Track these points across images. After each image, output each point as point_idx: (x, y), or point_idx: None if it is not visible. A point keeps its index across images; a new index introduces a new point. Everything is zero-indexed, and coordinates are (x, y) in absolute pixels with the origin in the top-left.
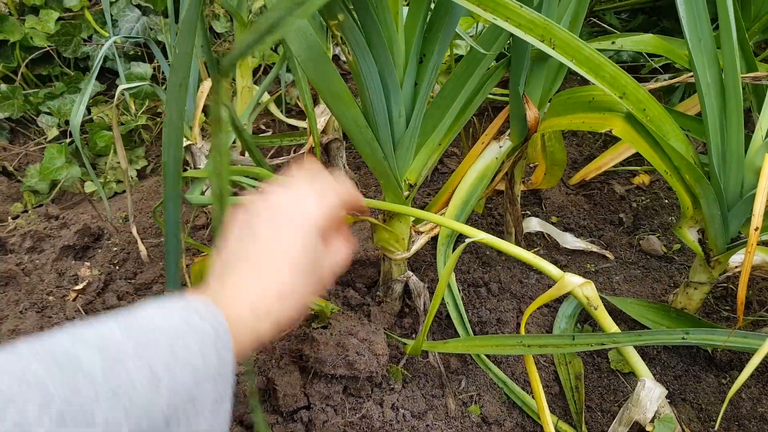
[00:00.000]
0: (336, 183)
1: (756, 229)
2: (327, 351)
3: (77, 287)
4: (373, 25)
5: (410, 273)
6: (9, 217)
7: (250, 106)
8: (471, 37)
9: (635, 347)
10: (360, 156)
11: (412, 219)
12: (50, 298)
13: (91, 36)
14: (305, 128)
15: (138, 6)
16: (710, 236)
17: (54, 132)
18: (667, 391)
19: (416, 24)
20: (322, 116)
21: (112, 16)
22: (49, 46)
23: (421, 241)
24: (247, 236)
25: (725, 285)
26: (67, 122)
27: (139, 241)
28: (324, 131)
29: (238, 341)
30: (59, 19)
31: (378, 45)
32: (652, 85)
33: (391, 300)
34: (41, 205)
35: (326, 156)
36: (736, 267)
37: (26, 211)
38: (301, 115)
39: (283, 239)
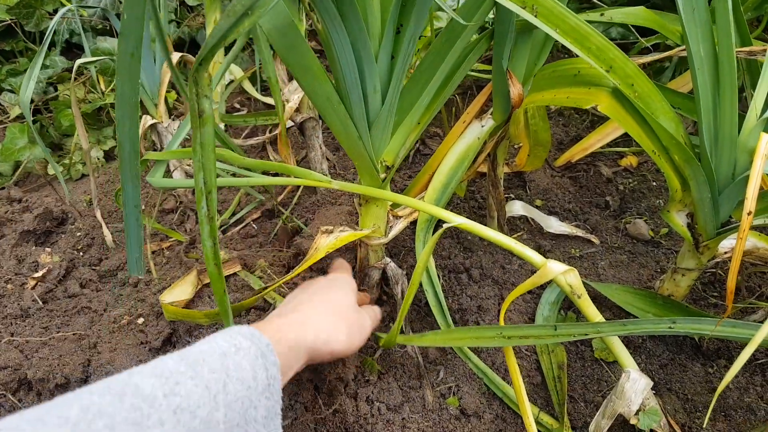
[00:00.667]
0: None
1: (749, 213)
2: None
3: (36, 274)
4: None
5: (388, 259)
6: None
7: (219, 83)
8: (452, 8)
9: (620, 337)
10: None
11: (390, 203)
12: (8, 286)
13: (57, 10)
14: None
15: None
16: (699, 220)
17: (17, 111)
18: (652, 383)
19: None
20: (296, 93)
21: None
22: (11, 20)
23: (399, 226)
24: (301, 296)
25: (714, 271)
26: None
27: (104, 226)
28: (298, 109)
29: (285, 365)
30: None
31: (350, 13)
32: (642, 59)
33: (368, 288)
34: (3, 188)
35: (302, 136)
36: (726, 253)
37: None
38: None
39: (331, 294)
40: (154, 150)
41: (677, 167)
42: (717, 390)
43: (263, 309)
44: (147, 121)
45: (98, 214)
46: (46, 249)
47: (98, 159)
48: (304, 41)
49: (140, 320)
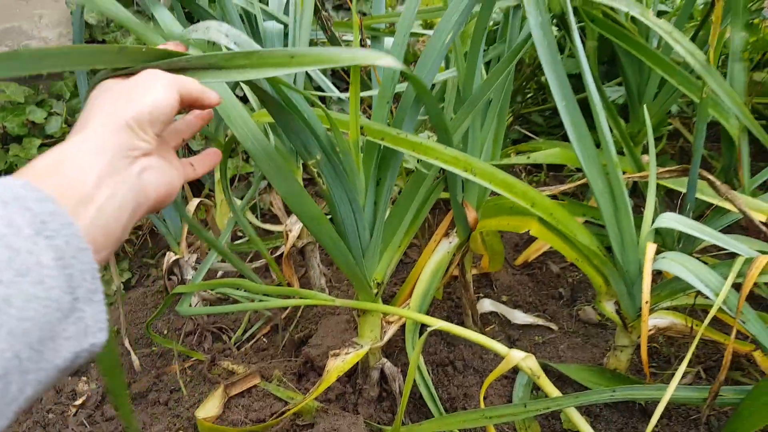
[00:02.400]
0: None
1: (646, 302)
2: None
3: (77, 402)
4: (339, 163)
5: (385, 360)
6: None
7: (231, 221)
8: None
9: (576, 407)
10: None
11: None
12: (50, 415)
13: None
14: (280, 232)
15: None
16: (622, 307)
17: None
18: None
19: (371, 159)
20: (297, 223)
21: None
22: None
23: (391, 331)
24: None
25: (651, 344)
26: None
27: (132, 353)
28: (299, 236)
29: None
30: (41, 145)
31: (344, 177)
32: (559, 188)
33: (370, 386)
34: None
35: (301, 257)
36: (650, 330)
37: None
38: (274, 219)
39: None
40: (181, 283)
41: (597, 269)
42: None
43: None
44: (171, 257)
45: (126, 342)
46: (82, 378)
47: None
48: (311, 200)
49: None
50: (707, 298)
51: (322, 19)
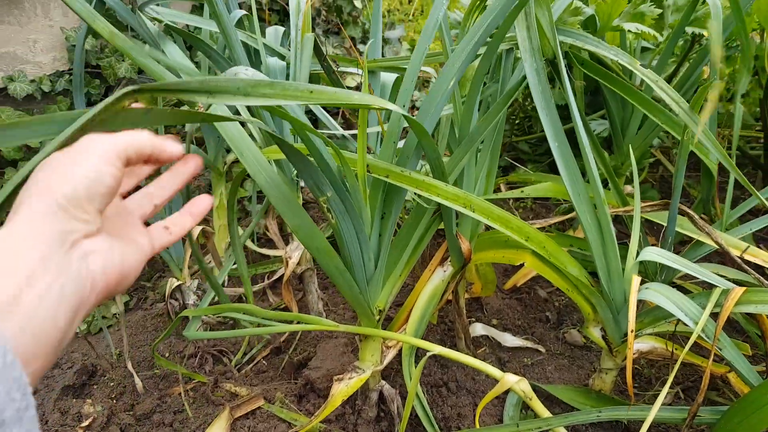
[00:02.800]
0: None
1: (632, 331)
2: None
3: (83, 424)
4: (347, 199)
5: (383, 382)
6: None
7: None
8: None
9: (565, 427)
10: (327, 279)
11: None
12: None
13: None
14: (276, 256)
15: None
16: (608, 333)
17: None
18: None
19: (377, 194)
20: (296, 251)
21: None
22: None
23: (391, 355)
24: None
25: (633, 366)
26: None
27: (135, 375)
28: (299, 263)
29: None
30: None
31: (352, 212)
32: (551, 220)
33: (369, 407)
34: None
35: (300, 282)
36: (633, 354)
37: None
38: (270, 243)
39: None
40: (183, 307)
41: (586, 297)
42: None
43: None
44: (173, 282)
45: (129, 365)
46: (87, 400)
47: (119, 314)
48: (321, 234)
49: None
50: (687, 325)
51: (327, 62)
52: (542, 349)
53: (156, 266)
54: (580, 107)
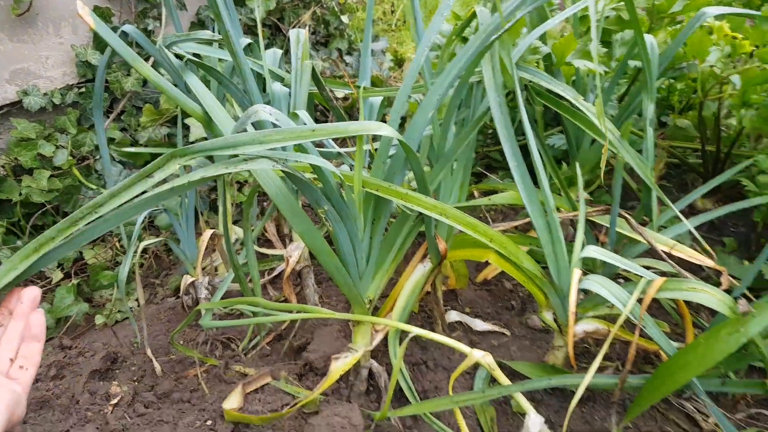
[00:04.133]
0: None
1: (573, 313)
2: (320, 430)
3: (112, 402)
4: (344, 210)
5: (372, 360)
6: None
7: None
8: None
9: (523, 393)
10: (321, 275)
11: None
12: (88, 413)
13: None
14: (274, 255)
15: (120, 162)
16: (558, 316)
17: (59, 275)
18: (544, 419)
19: (369, 205)
20: (296, 250)
21: (97, 171)
22: (46, 203)
23: (379, 337)
24: None
25: (583, 346)
26: (66, 264)
27: (154, 360)
28: (298, 261)
29: None
30: (51, 176)
31: (346, 220)
32: (513, 224)
33: (360, 382)
34: (53, 338)
35: (299, 278)
36: (580, 334)
37: None
38: (268, 243)
39: None
40: (195, 301)
41: (539, 287)
42: (568, 412)
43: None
44: (187, 279)
45: (149, 351)
46: (113, 382)
47: (137, 307)
48: (323, 239)
49: (208, 422)
50: (620, 309)
51: (326, 91)
52: (507, 333)
53: (163, 265)
54: (539, 131)
